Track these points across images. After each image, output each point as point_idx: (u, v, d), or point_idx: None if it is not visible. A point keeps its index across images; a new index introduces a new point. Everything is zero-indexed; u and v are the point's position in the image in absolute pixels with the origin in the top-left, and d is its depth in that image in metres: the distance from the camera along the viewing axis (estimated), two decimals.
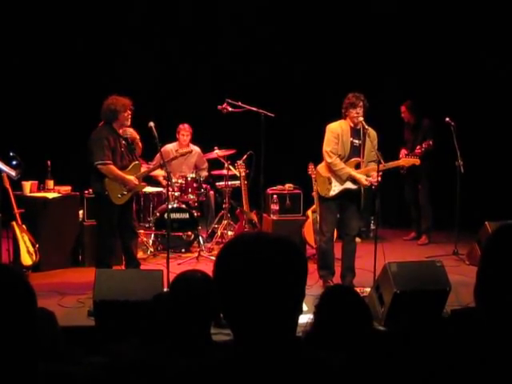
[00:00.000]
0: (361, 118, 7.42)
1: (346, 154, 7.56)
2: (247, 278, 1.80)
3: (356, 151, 7.56)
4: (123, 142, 7.50)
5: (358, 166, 7.58)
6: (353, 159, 7.58)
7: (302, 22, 11.49)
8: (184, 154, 8.91)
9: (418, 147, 9.81)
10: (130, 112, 7.43)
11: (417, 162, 8.03)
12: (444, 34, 11.07)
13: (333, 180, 7.59)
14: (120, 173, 7.40)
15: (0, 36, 10.79)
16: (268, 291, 1.80)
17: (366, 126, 7.41)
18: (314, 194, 8.68)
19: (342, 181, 7.57)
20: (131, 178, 7.46)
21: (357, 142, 7.56)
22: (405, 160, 8.26)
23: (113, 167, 7.37)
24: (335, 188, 7.59)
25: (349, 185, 7.57)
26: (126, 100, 7.42)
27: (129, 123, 7.48)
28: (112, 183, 7.39)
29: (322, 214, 7.87)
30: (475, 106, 10.95)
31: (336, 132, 7.54)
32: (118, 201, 7.41)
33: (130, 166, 7.54)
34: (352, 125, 7.52)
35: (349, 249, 7.73)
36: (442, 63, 11.19)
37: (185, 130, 9.97)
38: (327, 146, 7.57)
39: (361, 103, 7.42)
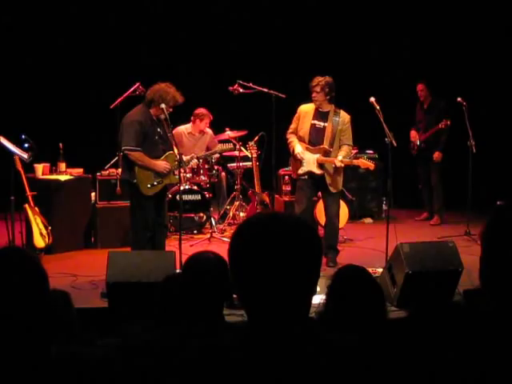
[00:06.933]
0: (318, 102, 7.56)
1: (305, 134, 7.69)
2: (262, 257, 1.81)
3: (319, 133, 7.65)
4: (158, 129, 7.10)
5: (328, 154, 7.65)
6: (321, 146, 7.64)
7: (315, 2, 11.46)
8: (226, 150, 9.26)
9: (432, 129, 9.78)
10: (170, 110, 7.01)
11: (371, 166, 7.84)
12: (455, 12, 11.00)
13: (304, 161, 7.70)
14: (149, 159, 7.00)
15: (14, 19, 10.80)
16: (283, 271, 1.80)
17: (337, 110, 7.56)
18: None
19: (309, 164, 7.64)
20: (161, 162, 7.07)
21: (321, 124, 7.64)
22: (361, 162, 8.03)
23: (141, 154, 6.96)
24: (303, 168, 7.73)
25: (313, 168, 7.66)
26: (178, 96, 7.03)
27: (162, 117, 7.04)
28: (143, 172, 7.00)
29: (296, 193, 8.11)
30: (487, 86, 10.87)
31: (298, 112, 7.79)
32: (147, 191, 7.02)
33: (163, 156, 7.18)
34: (318, 107, 7.65)
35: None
36: (452, 42, 11.11)
37: (209, 118, 9.92)
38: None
39: (313, 88, 7.54)
